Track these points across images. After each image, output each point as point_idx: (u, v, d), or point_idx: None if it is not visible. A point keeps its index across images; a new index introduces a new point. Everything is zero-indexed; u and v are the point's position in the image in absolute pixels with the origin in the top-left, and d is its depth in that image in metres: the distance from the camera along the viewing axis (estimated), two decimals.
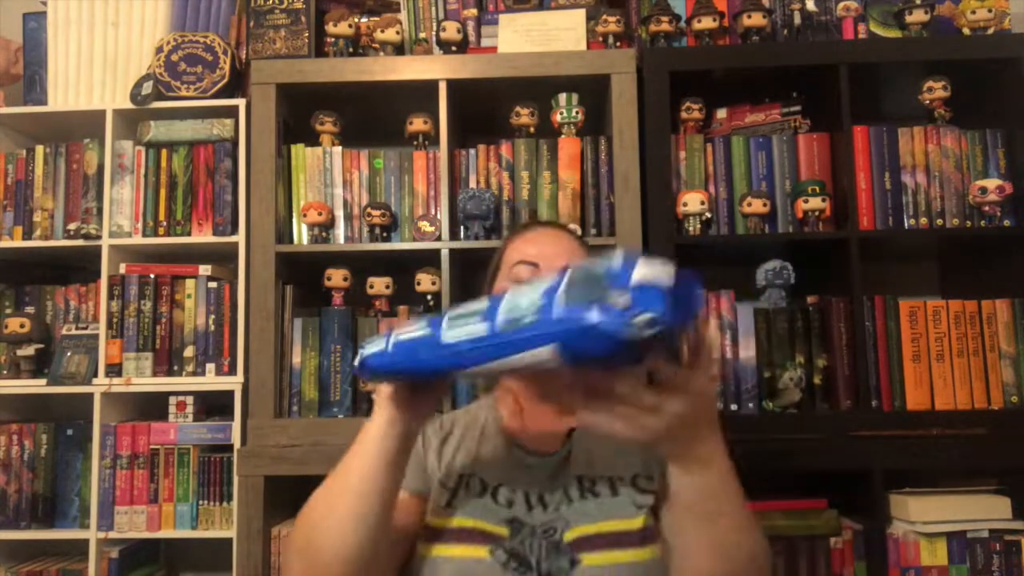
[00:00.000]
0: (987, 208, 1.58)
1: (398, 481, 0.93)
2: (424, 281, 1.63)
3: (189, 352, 1.74)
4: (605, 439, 1.06)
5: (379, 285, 1.66)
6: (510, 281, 1.11)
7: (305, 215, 1.63)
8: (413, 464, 1.06)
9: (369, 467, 0.90)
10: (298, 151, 1.68)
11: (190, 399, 1.72)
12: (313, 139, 1.71)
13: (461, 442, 1.12)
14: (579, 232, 1.59)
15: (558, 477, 1.06)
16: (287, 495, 1.62)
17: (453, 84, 1.64)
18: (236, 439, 1.66)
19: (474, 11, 1.81)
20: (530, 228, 1.20)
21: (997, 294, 1.58)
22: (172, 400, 1.73)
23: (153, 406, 1.80)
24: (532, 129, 1.68)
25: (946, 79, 1.63)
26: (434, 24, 1.83)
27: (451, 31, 1.70)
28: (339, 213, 1.67)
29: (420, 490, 1.07)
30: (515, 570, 0.96)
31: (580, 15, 1.73)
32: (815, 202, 1.58)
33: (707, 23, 1.68)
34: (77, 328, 1.82)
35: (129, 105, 1.77)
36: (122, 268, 1.77)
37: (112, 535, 1.69)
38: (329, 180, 1.68)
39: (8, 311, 1.85)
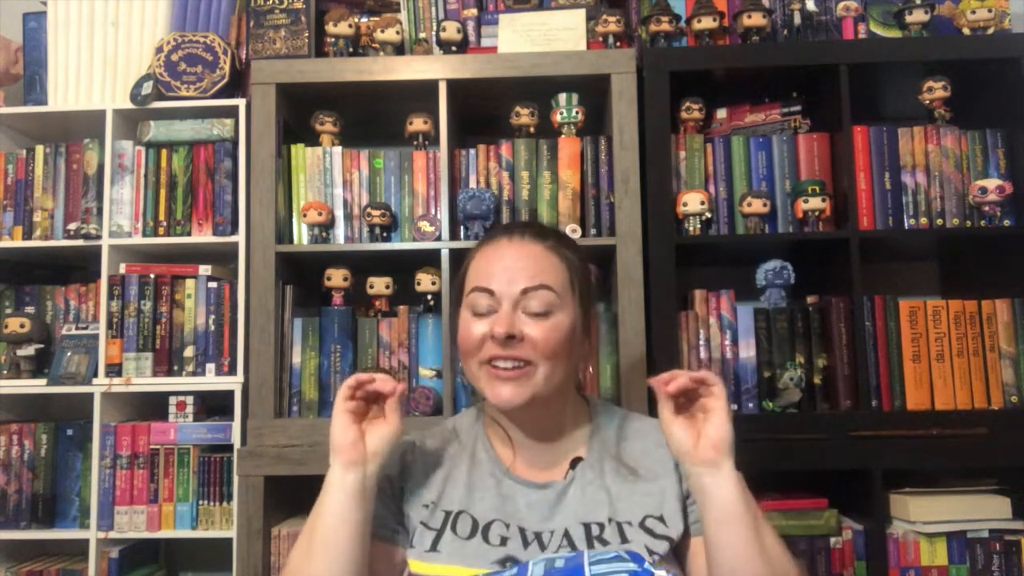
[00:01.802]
0: (987, 208, 1.58)
1: (364, 523, 0.93)
2: (424, 281, 1.63)
3: (189, 352, 1.74)
4: (613, 472, 0.98)
5: (379, 285, 1.66)
6: (469, 311, 0.99)
7: (305, 215, 1.63)
8: (383, 510, 1.00)
9: (334, 517, 0.92)
10: (298, 151, 1.68)
11: (190, 399, 1.72)
12: (313, 139, 1.71)
13: (449, 474, 1.02)
14: (578, 231, 1.59)
15: (558, 512, 0.96)
16: (287, 495, 1.62)
17: (453, 84, 1.64)
18: (236, 439, 1.66)
19: (474, 11, 1.81)
20: (495, 238, 1.02)
21: (997, 294, 1.58)
22: (172, 400, 1.73)
23: (153, 406, 1.80)
24: (532, 129, 1.68)
25: (946, 79, 1.63)
26: (434, 24, 1.83)
27: (451, 31, 1.70)
28: (339, 213, 1.67)
29: (388, 537, 1.00)
30: None
31: (580, 15, 1.73)
32: (815, 202, 1.58)
33: (707, 23, 1.68)
34: (77, 328, 1.82)
35: (129, 105, 1.77)
36: (122, 268, 1.77)
37: (112, 535, 1.69)
38: (329, 180, 1.68)
39: (8, 311, 1.84)
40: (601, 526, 0.93)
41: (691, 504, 0.97)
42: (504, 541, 0.93)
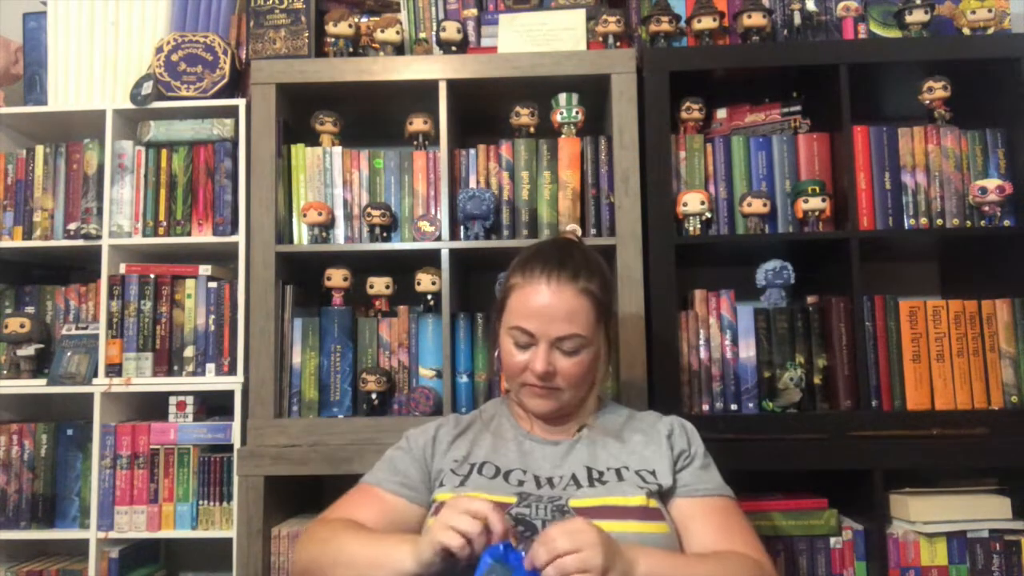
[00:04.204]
0: (987, 208, 1.58)
1: None
2: (424, 281, 1.63)
3: (189, 352, 1.74)
4: (613, 437, 1.17)
5: (379, 285, 1.66)
6: (510, 340, 1.15)
7: (305, 215, 1.63)
8: (414, 468, 1.17)
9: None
10: (298, 151, 1.68)
11: (190, 399, 1.72)
12: (313, 139, 1.71)
13: (475, 438, 1.19)
14: (578, 231, 1.59)
15: (567, 461, 1.14)
16: (287, 495, 1.63)
17: (453, 84, 1.64)
18: (236, 439, 1.66)
19: (474, 11, 1.81)
20: (534, 277, 1.13)
21: (997, 294, 1.58)
22: (172, 400, 1.73)
23: (153, 406, 1.80)
24: (532, 129, 1.68)
25: (946, 79, 1.63)
26: (434, 24, 1.83)
27: (451, 31, 1.70)
28: (339, 213, 1.67)
29: (416, 499, 1.14)
30: (521, 534, 1.00)
31: (580, 15, 1.73)
32: (815, 202, 1.58)
33: (707, 23, 1.68)
34: (77, 328, 1.81)
35: (129, 105, 1.77)
36: (122, 268, 1.77)
37: (112, 535, 1.69)
38: (329, 180, 1.68)
39: (8, 311, 1.84)
40: (601, 472, 1.11)
41: (678, 471, 1.13)
42: (521, 483, 1.10)
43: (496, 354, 1.23)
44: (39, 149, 1.85)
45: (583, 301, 1.12)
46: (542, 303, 1.11)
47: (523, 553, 0.91)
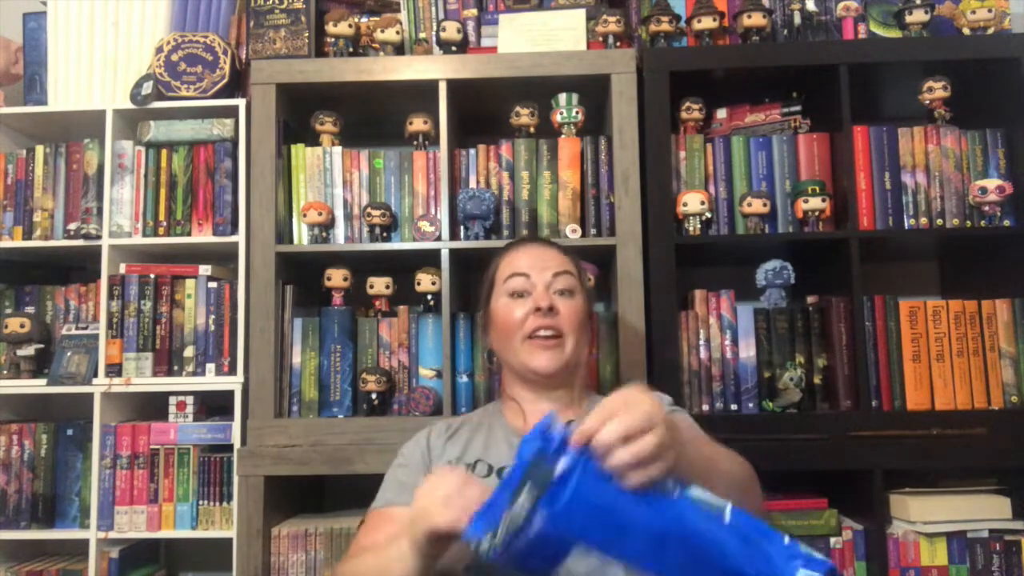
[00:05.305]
0: (987, 208, 1.58)
1: None
2: (424, 281, 1.63)
3: (189, 352, 1.74)
4: None
5: (379, 285, 1.66)
6: (507, 296, 1.20)
7: (305, 215, 1.63)
8: (416, 478, 1.14)
9: None
10: (298, 151, 1.68)
11: (190, 399, 1.72)
12: (313, 139, 1.72)
13: (469, 438, 1.20)
14: (578, 231, 1.60)
15: None
16: (287, 495, 1.63)
17: (453, 84, 1.64)
18: (236, 439, 1.66)
19: (474, 11, 1.81)
20: (515, 245, 1.28)
21: (997, 294, 1.58)
22: (172, 400, 1.73)
23: (153, 406, 1.80)
24: (532, 129, 1.68)
25: (946, 79, 1.63)
26: (434, 24, 1.83)
27: (451, 31, 1.70)
28: (339, 213, 1.67)
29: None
30: None
31: (580, 15, 1.73)
32: (815, 202, 1.58)
33: (707, 23, 1.68)
34: (77, 328, 1.81)
35: (129, 105, 1.77)
36: (122, 268, 1.77)
37: (112, 535, 1.69)
38: (329, 180, 1.68)
39: (8, 311, 1.84)
40: None
41: None
42: None
43: (487, 361, 1.25)
44: (39, 149, 1.85)
45: (564, 257, 1.24)
46: (531, 255, 1.22)
47: (568, 431, 0.70)
